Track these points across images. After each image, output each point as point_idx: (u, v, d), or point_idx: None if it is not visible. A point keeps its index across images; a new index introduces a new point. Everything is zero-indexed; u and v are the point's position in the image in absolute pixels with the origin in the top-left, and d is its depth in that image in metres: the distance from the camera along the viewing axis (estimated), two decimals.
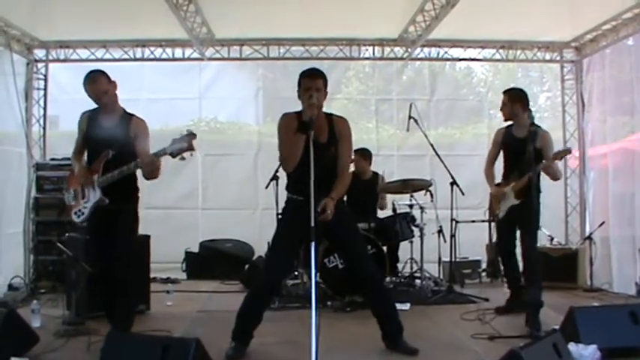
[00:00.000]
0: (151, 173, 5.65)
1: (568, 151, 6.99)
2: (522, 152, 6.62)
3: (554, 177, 7.06)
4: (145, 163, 5.51)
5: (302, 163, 5.18)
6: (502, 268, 7.95)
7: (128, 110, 6.04)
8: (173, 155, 5.35)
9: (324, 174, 5.04)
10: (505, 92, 7.28)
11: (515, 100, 7.11)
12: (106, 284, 5.93)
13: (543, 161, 6.76)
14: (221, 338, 5.69)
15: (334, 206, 5.35)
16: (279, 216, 5.86)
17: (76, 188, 5.93)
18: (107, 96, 5.80)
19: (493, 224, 8.28)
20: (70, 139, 9.96)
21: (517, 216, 6.98)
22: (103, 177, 5.70)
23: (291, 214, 5.66)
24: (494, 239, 8.54)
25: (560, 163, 7.45)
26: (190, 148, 5.32)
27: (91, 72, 5.88)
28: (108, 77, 5.86)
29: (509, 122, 7.27)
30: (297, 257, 6.22)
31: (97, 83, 5.78)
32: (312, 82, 5.48)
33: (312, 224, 4.53)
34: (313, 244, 4.43)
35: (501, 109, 7.29)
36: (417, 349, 5.65)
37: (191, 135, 5.34)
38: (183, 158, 5.40)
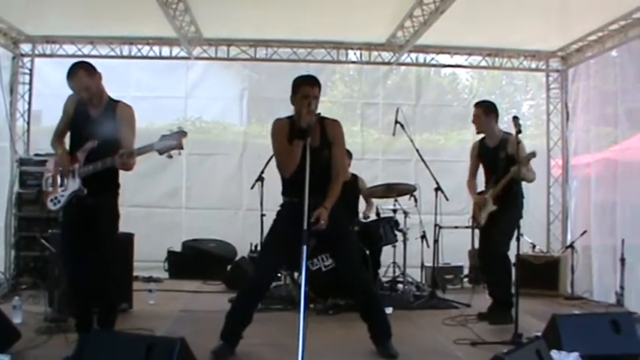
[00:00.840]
0: (124, 165, 5.26)
1: (532, 154, 6.97)
2: (491, 161, 7.13)
3: (527, 179, 7.13)
4: (127, 154, 5.15)
5: (297, 168, 5.19)
6: (482, 274, 8.12)
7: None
8: (160, 152, 5.08)
9: (318, 177, 5.04)
10: (478, 105, 7.46)
11: (490, 112, 7.33)
12: (79, 284, 5.68)
13: (512, 167, 6.89)
14: (204, 338, 5.66)
15: (330, 209, 5.37)
16: (276, 217, 5.77)
17: (55, 174, 5.61)
18: (88, 92, 5.45)
19: (476, 231, 8.28)
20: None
21: (494, 220, 7.19)
22: (84, 167, 5.40)
23: (285, 216, 5.63)
24: (476, 246, 8.56)
25: (540, 170, 7.67)
26: (179, 147, 5.07)
27: (72, 65, 5.56)
28: (88, 70, 5.50)
29: (482, 134, 7.50)
30: (289, 259, 6.13)
31: (76, 77, 5.44)
32: (311, 90, 5.48)
33: (305, 227, 4.50)
34: (305, 247, 4.40)
35: (474, 122, 7.47)
36: (396, 353, 5.65)
37: (181, 133, 5.10)
38: (170, 156, 5.15)
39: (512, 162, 6.86)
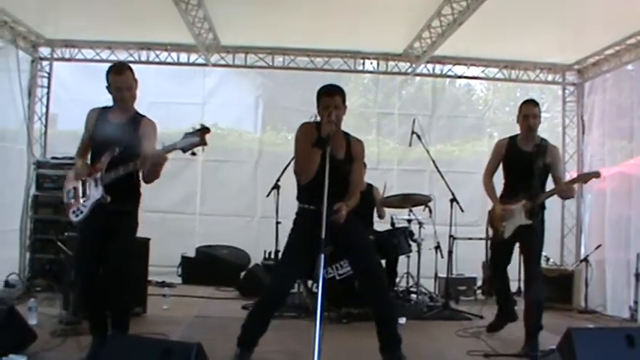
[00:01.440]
0: (153, 173, 5.35)
1: (597, 174, 6.56)
2: (529, 167, 6.41)
3: (570, 196, 6.93)
4: (151, 157, 5.21)
5: (316, 176, 5.18)
6: (492, 280, 7.73)
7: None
8: (184, 150, 5.05)
9: (337, 189, 5.04)
10: (535, 103, 6.73)
11: (540, 114, 6.75)
12: (94, 287, 5.62)
13: (564, 181, 6.57)
14: (218, 344, 5.67)
15: (348, 215, 5.37)
16: (293, 226, 5.76)
17: (76, 186, 5.61)
18: (129, 92, 5.55)
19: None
20: (69, 138, 10.01)
21: (523, 236, 6.59)
22: (107, 173, 5.37)
23: (302, 225, 5.62)
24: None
25: None
26: (203, 143, 5.05)
27: (118, 63, 5.72)
28: (133, 73, 5.59)
29: (513, 134, 6.87)
30: (307, 268, 6.13)
31: (124, 75, 5.51)
32: (330, 100, 5.47)
33: (323, 236, 4.49)
34: (322, 255, 4.41)
35: (531, 123, 6.57)
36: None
37: (204, 129, 5.09)
38: (194, 153, 5.12)
39: (547, 173, 6.58)
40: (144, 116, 5.70)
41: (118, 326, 5.59)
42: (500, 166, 6.89)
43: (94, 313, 5.76)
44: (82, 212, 5.49)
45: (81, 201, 5.51)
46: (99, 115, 5.64)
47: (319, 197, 4.70)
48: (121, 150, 5.40)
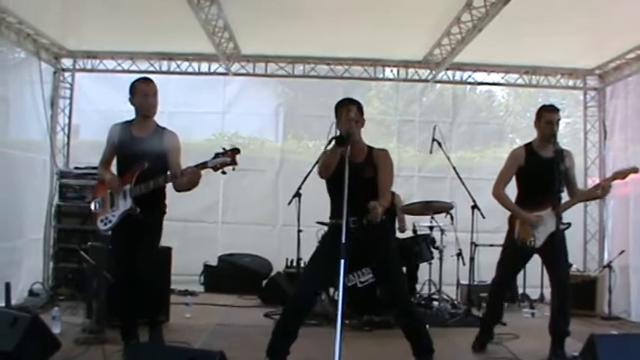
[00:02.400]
0: (188, 185, 5.75)
1: (635, 169, 6.42)
2: (546, 174, 6.27)
3: (603, 196, 6.80)
4: (188, 174, 5.60)
5: (338, 182, 5.15)
6: (495, 294, 7.07)
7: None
8: (215, 169, 5.44)
9: (359, 196, 5.02)
10: (556, 109, 6.59)
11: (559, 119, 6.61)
12: (125, 294, 5.99)
13: (600, 182, 6.57)
14: (240, 352, 5.72)
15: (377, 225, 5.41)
16: (321, 239, 5.81)
17: (104, 196, 5.95)
18: (154, 99, 5.97)
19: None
20: (90, 148, 10.10)
21: (551, 244, 6.41)
22: (136, 186, 5.72)
23: (329, 238, 5.66)
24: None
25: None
26: (233, 163, 5.40)
27: (144, 77, 6.13)
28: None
29: (524, 141, 6.84)
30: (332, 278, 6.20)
31: (151, 83, 5.97)
32: (347, 107, 5.53)
33: (343, 241, 4.55)
34: (342, 261, 4.45)
35: (553, 129, 6.44)
36: None
37: (235, 150, 5.42)
38: (224, 172, 5.51)
39: (566, 178, 6.44)
40: (165, 128, 6.03)
41: (153, 331, 6.07)
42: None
43: (125, 320, 6.05)
44: (110, 222, 5.85)
45: (109, 211, 5.87)
46: (122, 130, 6.01)
47: (350, 211, 4.75)
48: (148, 164, 5.73)
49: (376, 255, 5.65)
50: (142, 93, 5.92)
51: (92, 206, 6.06)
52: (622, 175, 6.49)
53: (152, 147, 5.88)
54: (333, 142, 5.34)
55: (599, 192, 6.56)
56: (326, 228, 5.95)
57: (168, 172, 5.78)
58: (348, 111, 5.45)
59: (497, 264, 6.86)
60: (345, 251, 4.52)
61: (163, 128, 6.10)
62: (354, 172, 4.97)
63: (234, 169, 5.50)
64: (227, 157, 5.38)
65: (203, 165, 5.50)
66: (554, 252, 6.40)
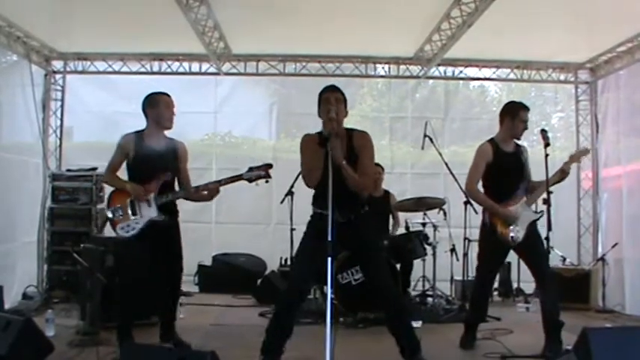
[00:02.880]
0: (208, 199, 6.50)
1: (586, 151, 6.82)
2: (514, 167, 6.47)
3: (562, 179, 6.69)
4: (210, 189, 6.30)
5: (323, 179, 5.15)
6: (481, 295, 7.04)
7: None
8: (250, 180, 6.09)
9: (343, 190, 5.03)
10: (529, 109, 6.72)
11: None
12: (139, 296, 6.34)
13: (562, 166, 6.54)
14: (235, 352, 5.73)
15: (363, 220, 5.45)
16: (305, 229, 5.80)
17: (123, 204, 6.14)
18: (173, 114, 6.34)
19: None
20: (85, 150, 10.09)
21: (528, 237, 6.46)
22: (160, 196, 6.09)
23: (312, 228, 5.62)
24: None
25: (571, 182, 7.20)
26: (267, 176, 6.08)
27: (162, 92, 6.40)
28: None
29: (490, 137, 6.83)
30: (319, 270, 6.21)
31: (172, 104, 6.34)
32: (331, 94, 5.54)
33: (329, 238, 4.59)
34: (329, 258, 4.50)
35: (525, 128, 6.62)
36: None
37: (268, 165, 6.10)
38: (257, 184, 6.13)
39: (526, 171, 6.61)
40: (174, 139, 6.41)
41: (171, 327, 6.46)
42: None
43: (129, 321, 6.23)
44: (133, 229, 6.09)
45: (131, 218, 6.12)
46: (137, 140, 6.22)
47: (326, 200, 4.77)
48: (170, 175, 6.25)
49: (361, 247, 5.60)
50: (166, 104, 6.29)
51: (110, 214, 6.22)
52: (577, 157, 6.74)
53: (169, 158, 6.29)
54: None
55: (558, 175, 6.54)
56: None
57: (186, 187, 6.39)
58: (329, 110, 5.41)
59: (477, 266, 6.88)
60: (332, 248, 4.56)
61: (172, 139, 6.43)
62: (338, 169, 5.01)
63: (267, 182, 6.17)
64: (262, 171, 6.04)
65: (239, 177, 6.10)
66: (531, 247, 6.46)
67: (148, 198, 6.06)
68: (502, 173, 6.52)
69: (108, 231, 8.40)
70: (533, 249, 6.45)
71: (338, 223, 4.88)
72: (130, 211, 6.11)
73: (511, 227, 6.46)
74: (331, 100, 5.48)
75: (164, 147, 6.28)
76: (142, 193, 6.05)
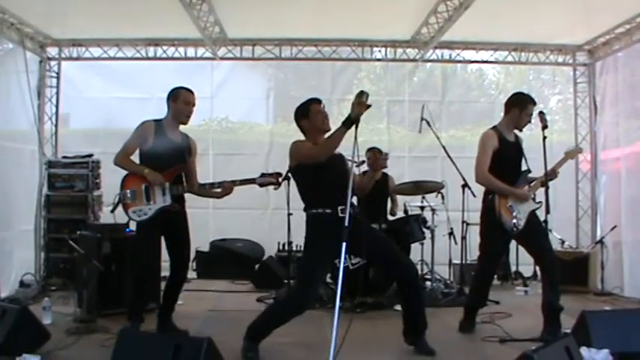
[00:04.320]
0: (219, 196, 6.56)
1: (579, 150, 6.91)
2: (515, 156, 6.55)
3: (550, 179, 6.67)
4: (224, 188, 6.44)
5: (333, 177, 5.41)
6: (482, 281, 6.96)
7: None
8: (261, 185, 6.37)
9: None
10: (535, 104, 6.68)
11: None
12: (151, 280, 6.62)
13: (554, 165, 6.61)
14: (233, 337, 5.67)
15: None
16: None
17: (137, 189, 6.22)
18: (191, 114, 6.54)
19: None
20: (81, 137, 10.06)
21: (530, 223, 6.46)
22: (175, 186, 6.28)
23: (322, 232, 5.55)
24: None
25: (569, 165, 7.21)
26: (277, 184, 6.35)
27: (185, 88, 6.52)
28: None
29: (492, 125, 6.83)
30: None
31: (194, 97, 6.52)
32: (320, 107, 5.90)
33: (347, 224, 4.74)
34: (344, 244, 4.66)
35: (529, 120, 6.63)
36: (434, 350, 5.70)
37: (279, 173, 6.37)
38: (267, 189, 6.76)
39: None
40: (186, 134, 6.66)
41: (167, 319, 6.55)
42: None
43: (142, 304, 6.46)
44: (145, 214, 6.20)
45: (144, 203, 6.22)
46: (157, 128, 6.34)
47: (336, 199, 5.16)
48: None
49: (364, 237, 5.48)
50: (186, 100, 6.43)
51: (123, 196, 6.28)
52: (571, 155, 6.82)
53: (185, 151, 6.50)
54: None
55: (548, 176, 6.52)
56: None
57: (191, 181, 6.57)
58: (325, 116, 5.81)
59: (480, 248, 6.83)
60: (347, 236, 4.72)
61: (186, 134, 6.63)
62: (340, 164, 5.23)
63: (275, 189, 6.65)
64: (273, 179, 6.29)
65: (251, 181, 6.31)
66: (534, 233, 6.43)
67: (164, 186, 6.18)
68: (505, 161, 6.54)
69: (106, 218, 8.45)
70: (536, 236, 6.44)
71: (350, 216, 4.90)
72: (144, 196, 6.21)
73: (514, 214, 6.45)
74: (322, 110, 5.86)
75: (180, 139, 6.47)
76: (161, 180, 6.15)
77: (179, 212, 6.42)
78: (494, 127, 6.72)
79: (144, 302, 6.51)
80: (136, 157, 6.38)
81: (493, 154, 6.54)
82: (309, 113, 5.81)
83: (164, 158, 6.24)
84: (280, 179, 6.38)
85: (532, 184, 6.63)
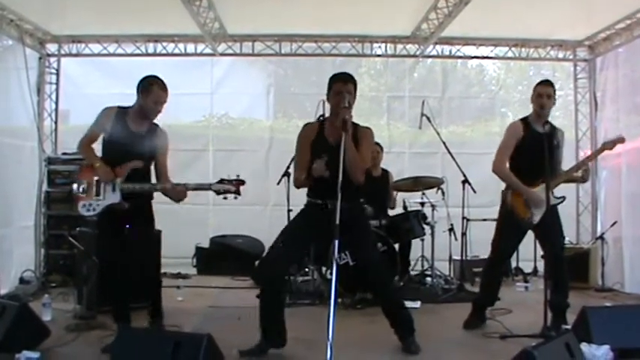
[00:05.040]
0: (174, 199, 5.92)
1: (621, 139, 6.60)
2: (542, 149, 6.06)
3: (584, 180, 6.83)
4: (177, 192, 5.85)
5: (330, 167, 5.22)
6: (491, 275, 7.02)
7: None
8: (218, 193, 5.77)
9: (343, 178, 4.98)
10: (549, 83, 6.59)
11: (554, 94, 6.59)
12: (116, 277, 5.94)
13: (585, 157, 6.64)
14: (232, 334, 5.73)
15: (353, 207, 5.38)
16: (298, 215, 5.81)
17: (90, 181, 5.78)
18: (162, 107, 5.95)
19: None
20: (81, 134, 9.95)
21: (546, 219, 6.26)
22: (126, 184, 5.73)
23: (307, 215, 5.65)
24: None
25: (569, 161, 7.09)
26: (237, 193, 5.74)
27: (158, 78, 6.00)
28: None
29: (524, 116, 6.74)
30: (303, 258, 6.30)
31: (166, 92, 5.93)
32: (344, 86, 5.49)
33: (337, 222, 4.56)
34: (336, 242, 4.49)
35: (545, 103, 6.43)
36: (416, 349, 5.70)
37: (240, 181, 5.76)
38: (225, 198, 5.80)
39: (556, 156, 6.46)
40: (158, 126, 6.05)
41: (156, 314, 6.31)
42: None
43: (118, 302, 6.04)
44: (94, 210, 5.73)
45: (94, 198, 5.74)
46: (117, 116, 5.87)
47: (326, 191, 4.99)
48: (143, 164, 5.87)
49: (352, 237, 5.42)
50: (155, 100, 5.86)
51: (74, 188, 5.88)
52: (610, 145, 6.58)
53: (147, 145, 5.90)
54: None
55: (581, 174, 6.60)
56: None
57: (160, 182, 5.99)
58: (343, 99, 5.40)
59: (493, 243, 6.79)
60: (338, 233, 4.54)
61: (157, 125, 6.08)
62: (337, 153, 4.95)
63: (236, 198, 5.80)
64: (232, 186, 5.72)
65: (207, 187, 5.81)
66: (549, 226, 6.32)
67: (115, 182, 5.72)
68: (529, 152, 6.39)
69: None
70: (549, 232, 6.38)
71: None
72: (94, 190, 5.76)
73: (530, 210, 6.41)
74: (344, 92, 5.46)
75: (144, 132, 5.96)
76: (110, 176, 5.72)
77: (135, 212, 5.84)
78: (523, 118, 6.68)
79: (122, 301, 6.08)
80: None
81: (517, 146, 6.50)
82: (330, 91, 5.61)
83: (121, 151, 5.80)
84: (241, 187, 5.80)
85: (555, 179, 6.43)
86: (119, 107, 5.95)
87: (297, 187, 5.67)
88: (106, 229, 5.93)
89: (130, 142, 5.83)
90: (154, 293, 6.36)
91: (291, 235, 5.70)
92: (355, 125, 5.57)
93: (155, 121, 6.08)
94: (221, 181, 5.75)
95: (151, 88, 5.85)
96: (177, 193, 5.86)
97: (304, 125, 5.78)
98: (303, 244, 5.80)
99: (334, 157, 4.94)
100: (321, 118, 6.18)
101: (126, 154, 5.78)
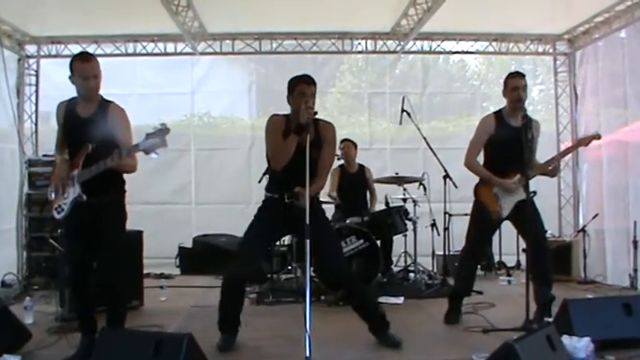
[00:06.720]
0: (123, 167, 5.32)
1: (597, 136, 6.62)
2: (518, 142, 6.03)
3: (552, 175, 6.83)
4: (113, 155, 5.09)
5: (288, 164, 5.38)
6: (466, 266, 6.91)
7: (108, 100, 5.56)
8: (146, 152, 4.98)
9: (304, 175, 4.96)
10: (522, 75, 6.49)
11: (526, 85, 6.50)
12: (82, 285, 5.50)
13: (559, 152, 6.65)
14: (216, 333, 5.69)
15: (313, 205, 5.31)
16: (257, 213, 5.85)
17: (57, 183, 5.45)
18: (95, 80, 5.32)
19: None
20: None
21: (522, 212, 6.24)
22: (82, 171, 5.22)
23: (266, 211, 5.77)
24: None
25: (550, 154, 7.05)
26: (164, 144, 4.94)
27: (84, 52, 5.67)
28: (99, 63, 5.41)
29: (496, 109, 6.72)
30: (267, 252, 6.35)
31: (90, 62, 5.31)
32: (307, 88, 5.49)
33: (307, 222, 4.66)
34: (307, 241, 4.59)
35: (519, 94, 6.32)
36: (400, 341, 5.69)
37: (165, 130, 4.96)
38: (157, 154, 4.99)
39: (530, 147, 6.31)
40: (111, 102, 5.48)
41: (111, 322, 5.43)
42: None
43: (82, 312, 5.64)
44: (63, 210, 5.36)
45: (61, 199, 5.39)
46: (67, 108, 5.49)
47: (287, 185, 5.23)
48: (94, 146, 5.25)
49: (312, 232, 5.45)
50: (81, 75, 5.27)
51: (48, 193, 5.57)
52: (586, 141, 6.65)
53: (97, 126, 5.31)
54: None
55: (550, 169, 6.61)
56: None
57: (115, 153, 5.14)
58: (307, 99, 5.38)
59: (467, 235, 6.82)
60: (309, 234, 4.65)
61: (109, 102, 5.47)
62: (303, 155, 4.96)
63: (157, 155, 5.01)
64: (157, 139, 4.90)
65: (136, 149, 5.04)
66: (527, 218, 6.23)
67: (72, 175, 5.27)
68: (502, 146, 6.40)
69: None
70: (528, 224, 6.25)
71: (299, 209, 4.97)
72: (61, 191, 5.38)
73: (498, 203, 6.45)
74: (308, 94, 5.45)
75: (92, 115, 5.38)
76: (63, 171, 5.37)
77: (102, 204, 5.32)
78: (496, 111, 6.68)
79: (85, 309, 5.59)
80: None
81: (489, 139, 6.51)
82: (293, 91, 5.58)
83: (75, 140, 5.38)
84: (168, 136, 4.92)
85: (530, 170, 6.32)
86: (71, 98, 5.54)
87: (279, 166, 5.54)
88: (69, 231, 5.60)
89: (78, 129, 5.37)
90: (111, 301, 5.59)
91: (254, 233, 5.78)
92: (316, 122, 5.58)
93: (113, 99, 5.56)
94: (146, 137, 4.93)
95: (74, 65, 5.29)
96: (123, 165, 5.25)
97: (271, 117, 5.79)
98: (268, 240, 6.11)
99: (300, 156, 4.98)
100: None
101: (78, 142, 5.32)
